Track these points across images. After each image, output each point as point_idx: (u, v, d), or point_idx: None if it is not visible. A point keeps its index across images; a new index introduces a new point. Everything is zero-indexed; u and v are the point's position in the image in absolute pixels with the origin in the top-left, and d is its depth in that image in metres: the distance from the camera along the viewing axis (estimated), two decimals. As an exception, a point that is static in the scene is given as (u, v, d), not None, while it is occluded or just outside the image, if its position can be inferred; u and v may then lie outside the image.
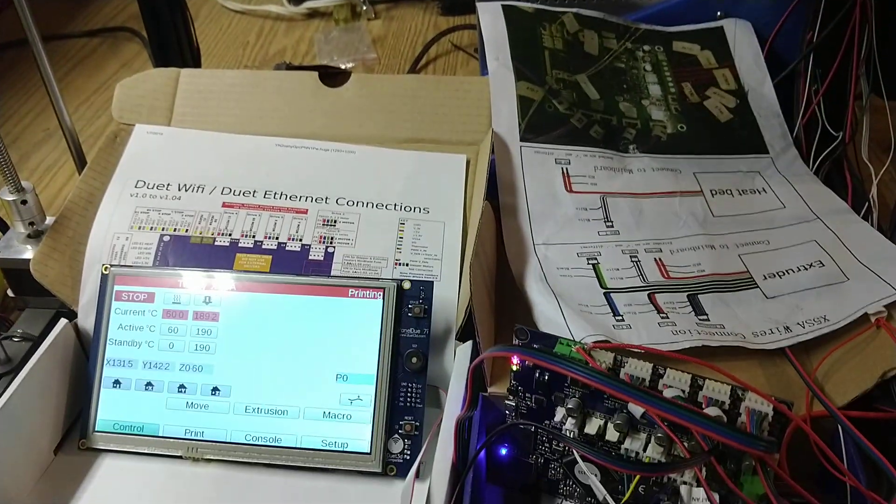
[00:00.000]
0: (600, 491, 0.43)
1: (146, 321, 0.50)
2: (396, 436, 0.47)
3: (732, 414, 0.40)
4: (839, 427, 0.45)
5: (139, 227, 0.55)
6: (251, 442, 0.48)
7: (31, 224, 0.56)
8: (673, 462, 0.40)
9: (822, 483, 0.45)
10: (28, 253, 0.55)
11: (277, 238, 0.55)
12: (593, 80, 0.67)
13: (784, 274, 0.55)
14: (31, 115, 0.90)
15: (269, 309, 0.50)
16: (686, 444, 0.40)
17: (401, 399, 0.48)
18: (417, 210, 0.57)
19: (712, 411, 0.39)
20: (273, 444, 0.48)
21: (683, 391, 0.40)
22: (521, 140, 0.61)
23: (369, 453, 0.47)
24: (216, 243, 0.55)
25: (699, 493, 0.40)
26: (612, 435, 0.42)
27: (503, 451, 0.48)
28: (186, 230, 0.55)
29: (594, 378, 0.38)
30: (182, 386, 0.49)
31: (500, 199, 0.57)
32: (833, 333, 0.50)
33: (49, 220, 0.57)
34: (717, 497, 0.40)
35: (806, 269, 0.55)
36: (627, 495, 0.41)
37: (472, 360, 0.49)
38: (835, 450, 0.45)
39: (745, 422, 0.39)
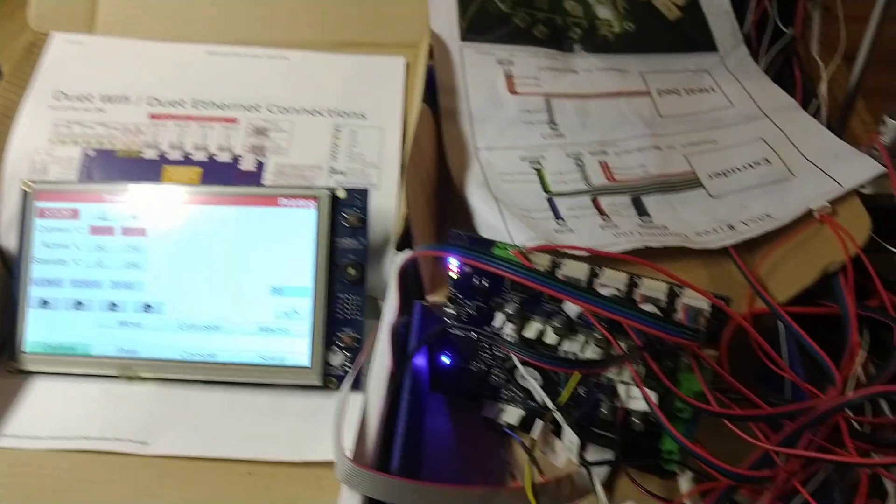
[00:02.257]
0: (539, 394, 0.43)
1: (72, 239, 0.48)
2: (335, 348, 0.46)
3: (669, 311, 0.39)
4: (780, 323, 0.44)
5: (61, 142, 0.52)
6: (187, 359, 0.47)
7: (-55, 141, 0.53)
8: (607, 358, 0.39)
9: (764, 381, 0.45)
10: (-57, 172, 0.52)
11: (207, 149, 0.53)
12: (537, -23, 0.64)
13: (730, 173, 0.54)
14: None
15: (199, 222, 0.48)
16: (623, 344, 0.39)
17: (339, 311, 0.47)
18: (354, 116, 0.54)
19: (648, 308, 0.38)
20: (209, 360, 0.47)
21: (619, 290, 0.39)
22: (461, 40, 0.58)
23: (309, 367, 0.46)
24: (143, 156, 0.52)
25: (637, 392, 0.40)
26: (550, 338, 0.42)
27: (445, 360, 0.47)
28: (111, 144, 0.53)
29: (520, 274, 0.37)
30: (113, 304, 0.48)
31: (439, 102, 0.55)
32: (777, 231, 0.49)
33: (-36, 136, 0.54)
34: (652, 394, 0.39)
35: (752, 167, 0.54)
36: (565, 395, 0.40)
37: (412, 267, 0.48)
38: (776, 347, 0.45)
39: (682, 318, 0.39)
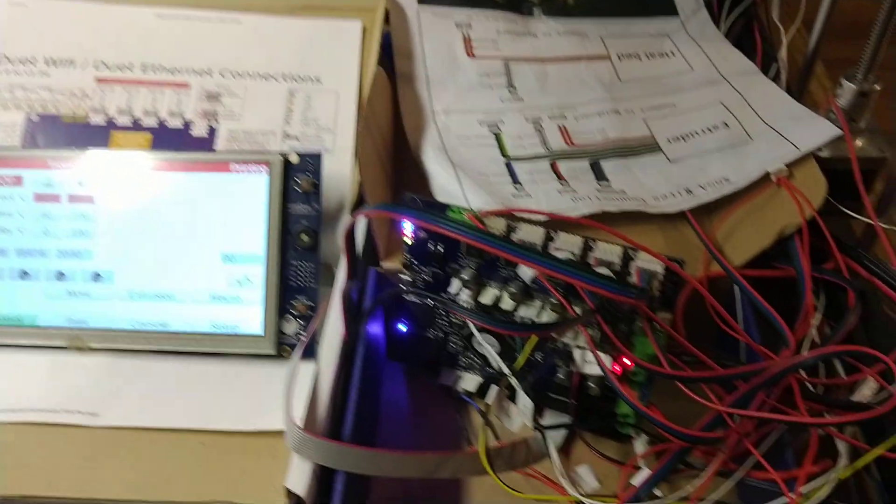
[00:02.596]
0: (495, 359, 0.43)
1: (15, 206, 0.47)
2: (289, 316, 0.46)
3: (623, 274, 0.39)
4: (736, 287, 0.44)
5: (3, 107, 0.51)
6: (138, 328, 0.46)
7: None
8: (560, 321, 0.39)
9: (720, 344, 0.45)
10: None
11: (157, 114, 0.51)
12: (495, -62, 0.63)
13: (688, 137, 0.53)
14: None
15: (148, 189, 0.46)
16: (578, 309, 0.39)
17: (292, 279, 0.46)
18: (308, 80, 0.53)
19: (602, 272, 0.38)
20: (161, 329, 0.46)
21: (574, 253, 0.39)
22: (418, 3, 0.57)
23: (262, 335, 0.45)
24: (90, 122, 0.51)
25: (593, 356, 0.39)
26: (507, 304, 0.41)
27: (402, 328, 0.47)
28: (56, 108, 0.51)
29: (470, 235, 0.36)
30: (60, 273, 0.46)
31: (395, 65, 0.54)
32: (735, 195, 0.49)
33: None
34: (606, 358, 0.39)
35: (711, 131, 0.53)
36: (521, 360, 0.40)
37: (365, 235, 0.47)
38: (733, 310, 0.45)
39: (636, 281, 0.38)
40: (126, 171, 0.47)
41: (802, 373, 0.39)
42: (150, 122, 0.51)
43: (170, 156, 0.46)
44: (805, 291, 0.43)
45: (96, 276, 0.46)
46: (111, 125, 0.51)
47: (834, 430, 0.38)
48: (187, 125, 0.51)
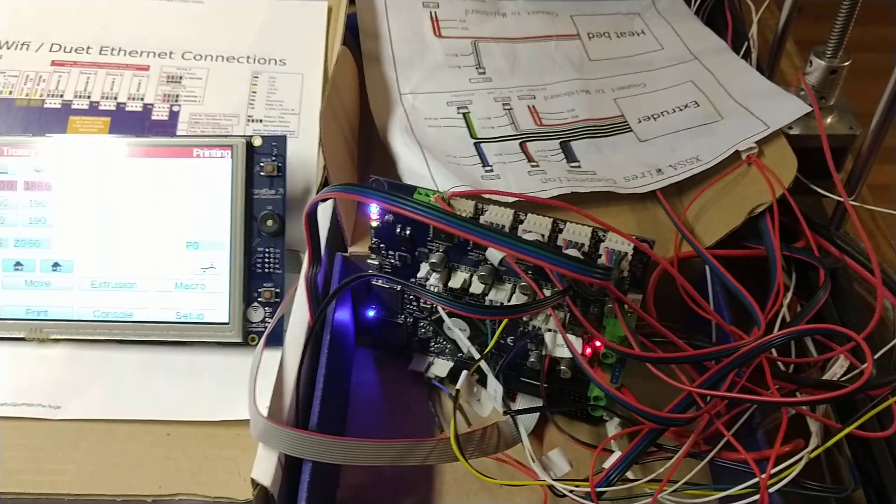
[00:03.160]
0: (465, 344, 0.42)
1: (-31, 195, 0.45)
2: (256, 304, 0.45)
3: (592, 255, 0.38)
4: (707, 266, 0.44)
5: (-45, 91, 0.49)
6: (100, 318, 0.45)
7: None
8: (528, 303, 0.38)
9: (692, 325, 0.45)
10: None
11: (116, 98, 0.50)
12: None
13: (659, 116, 0.53)
14: None
15: (108, 175, 0.45)
16: (547, 291, 0.39)
17: (258, 265, 0.45)
18: (272, 62, 0.52)
19: (570, 253, 0.37)
20: (124, 319, 0.45)
21: (543, 235, 0.38)
22: (384, -18, 0.56)
23: (228, 323, 0.44)
24: (45, 105, 0.49)
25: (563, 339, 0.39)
26: (476, 287, 0.41)
27: (371, 314, 0.46)
28: (10, 92, 0.49)
29: (434, 216, 0.36)
30: (18, 263, 0.45)
31: (361, 45, 0.53)
32: (705, 174, 0.49)
33: None
34: (577, 340, 0.39)
35: (681, 110, 0.53)
36: (491, 343, 0.40)
37: (331, 220, 0.46)
38: (704, 290, 0.44)
39: (605, 262, 0.38)
40: (85, 157, 0.45)
41: (773, 352, 0.39)
42: (109, 105, 0.50)
43: (130, 141, 0.45)
44: (776, 270, 0.43)
45: (56, 266, 0.45)
46: (68, 109, 0.49)
47: (805, 410, 0.38)
48: (147, 109, 0.50)
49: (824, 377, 0.40)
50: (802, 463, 0.36)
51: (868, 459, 0.39)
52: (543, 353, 0.41)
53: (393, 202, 0.37)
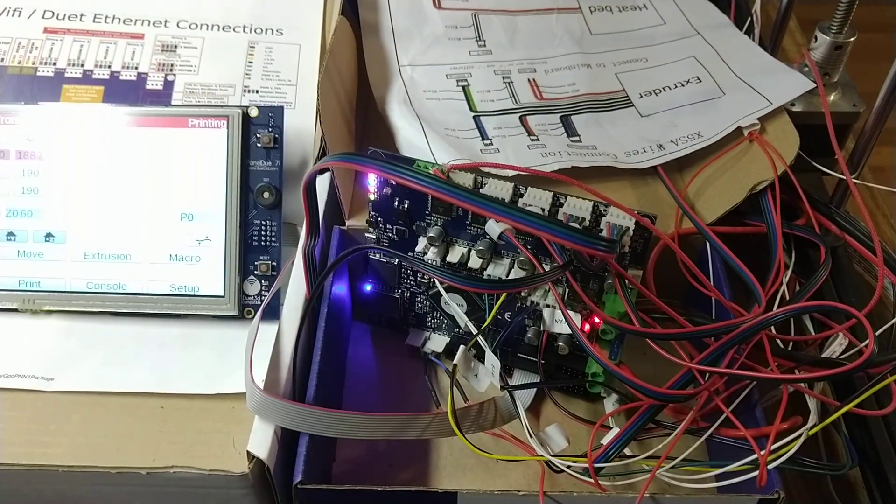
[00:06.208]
0: (462, 319, 0.42)
1: (-40, 164, 0.45)
2: (252, 277, 0.44)
3: (593, 230, 0.38)
4: (707, 243, 0.44)
5: (-55, 58, 0.48)
6: (94, 290, 0.44)
7: None
8: (527, 277, 0.38)
9: (692, 302, 0.44)
10: None
11: (110, 66, 0.49)
12: None
13: (660, 91, 0.52)
14: None
15: (102, 145, 0.44)
16: (546, 266, 0.38)
17: (254, 238, 0.44)
18: (269, 32, 0.51)
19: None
20: (118, 291, 0.44)
21: (543, 209, 0.38)
22: (383, -49, 0.55)
23: (223, 296, 0.44)
24: (38, 73, 0.48)
25: (562, 315, 0.38)
26: (474, 262, 0.40)
27: (367, 287, 0.46)
28: (2, 59, 0.48)
29: (432, 185, 0.35)
30: (11, 234, 0.44)
31: (360, 15, 0.52)
32: (707, 150, 0.48)
33: None
34: (576, 316, 0.38)
35: (683, 85, 0.52)
36: (489, 318, 0.39)
37: (329, 192, 0.46)
38: (704, 267, 0.44)
39: (606, 236, 0.37)
40: (78, 126, 0.44)
41: (773, 329, 0.39)
42: (103, 74, 0.49)
43: (124, 110, 0.44)
44: (776, 248, 0.43)
45: (48, 236, 0.44)
46: (61, 78, 0.48)
47: (804, 387, 0.38)
48: (142, 78, 0.49)
49: (823, 355, 0.40)
50: (801, 440, 0.35)
51: (865, 437, 0.39)
52: (541, 328, 0.41)
53: (392, 171, 0.36)
